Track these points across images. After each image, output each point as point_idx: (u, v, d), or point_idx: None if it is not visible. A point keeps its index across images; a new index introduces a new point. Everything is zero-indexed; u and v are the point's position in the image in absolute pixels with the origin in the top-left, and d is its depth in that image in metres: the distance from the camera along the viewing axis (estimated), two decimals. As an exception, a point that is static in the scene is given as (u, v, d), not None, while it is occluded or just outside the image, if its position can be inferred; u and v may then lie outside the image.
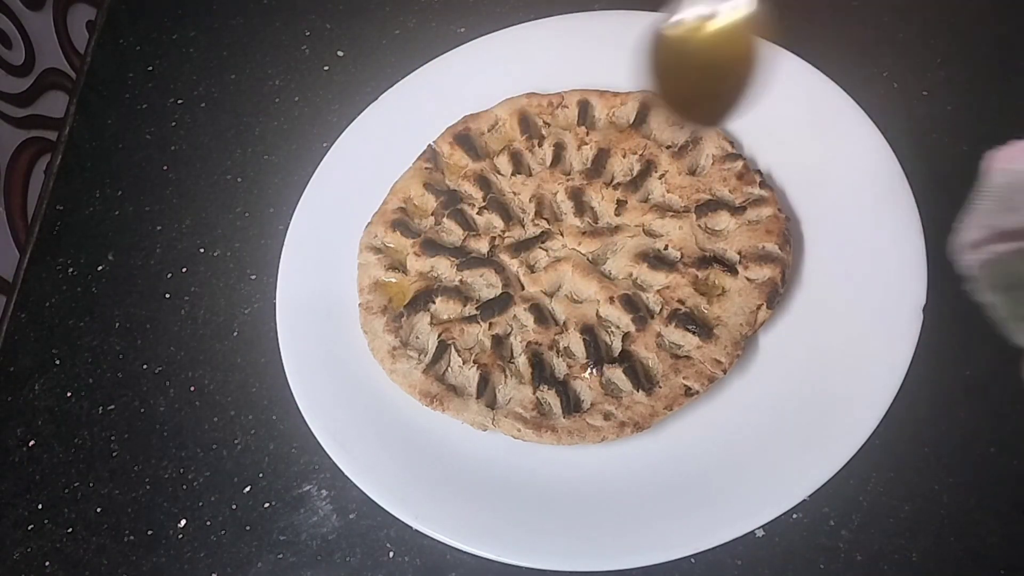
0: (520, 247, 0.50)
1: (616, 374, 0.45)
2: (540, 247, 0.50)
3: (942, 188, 0.51)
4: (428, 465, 0.45)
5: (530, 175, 0.53)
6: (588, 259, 0.49)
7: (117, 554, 0.48)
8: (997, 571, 0.42)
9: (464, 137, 0.54)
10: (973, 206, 0.38)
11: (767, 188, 0.49)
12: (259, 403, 0.51)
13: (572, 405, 0.44)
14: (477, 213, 0.52)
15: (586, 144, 0.53)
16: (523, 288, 0.49)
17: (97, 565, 0.48)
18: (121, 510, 0.49)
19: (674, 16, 0.38)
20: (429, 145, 0.54)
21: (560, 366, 0.46)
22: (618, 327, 0.47)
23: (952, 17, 0.58)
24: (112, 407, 0.53)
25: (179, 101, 0.64)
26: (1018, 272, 0.37)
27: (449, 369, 0.47)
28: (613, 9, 0.58)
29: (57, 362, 0.55)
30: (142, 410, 0.52)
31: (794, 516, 0.43)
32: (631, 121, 0.53)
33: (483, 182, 0.52)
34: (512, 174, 0.53)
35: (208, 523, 0.48)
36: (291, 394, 0.48)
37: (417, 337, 0.48)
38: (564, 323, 0.47)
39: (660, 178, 0.51)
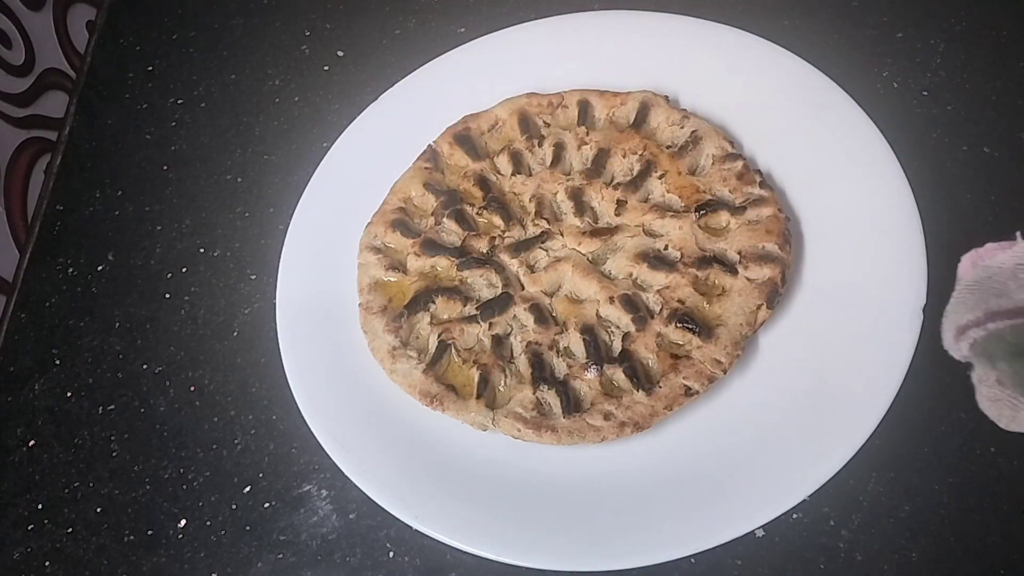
0: (520, 247, 0.50)
1: (616, 374, 0.45)
2: (540, 247, 0.50)
3: (942, 188, 0.51)
4: (428, 465, 0.45)
5: (530, 175, 0.53)
6: (588, 259, 0.49)
7: (117, 554, 0.48)
8: (997, 571, 0.42)
9: (464, 137, 0.54)
10: (954, 300, 0.44)
11: (767, 188, 0.49)
12: (259, 403, 0.51)
13: (572, 405, 0.44)
14: (477, 213, 0.52)
15: (586, 144, 0.53)
16: (523, 288, 0.49)
17: (97, 565, 0.48)
18: (121, 510, 0.49)
19: None
20: (429, 145, 0.54)
21: (560, 366, 0.46)
22: (618, 327, 0.47)
23: (952, 17, 0.58)
24: (112, 407, 0.53)
25: (179, 101, 0.64)
26: (1020, 342, 0.41)
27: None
28: (613, 9, 0.58)
29: (57, 362, 0.55)
30: (142, 410, 0.52)
31: (794, 516, 0.43)
32: (631, 121, 0.53)
33: (483, 182, 0.52)
34: (512, 174, 0.53)
35: (208, 523, 0.48)
36: (291, 394, 0.48)
37: (417, 337, 0.48)
38: (564, 323, 0.47)
39: (660, 178, 0.50)
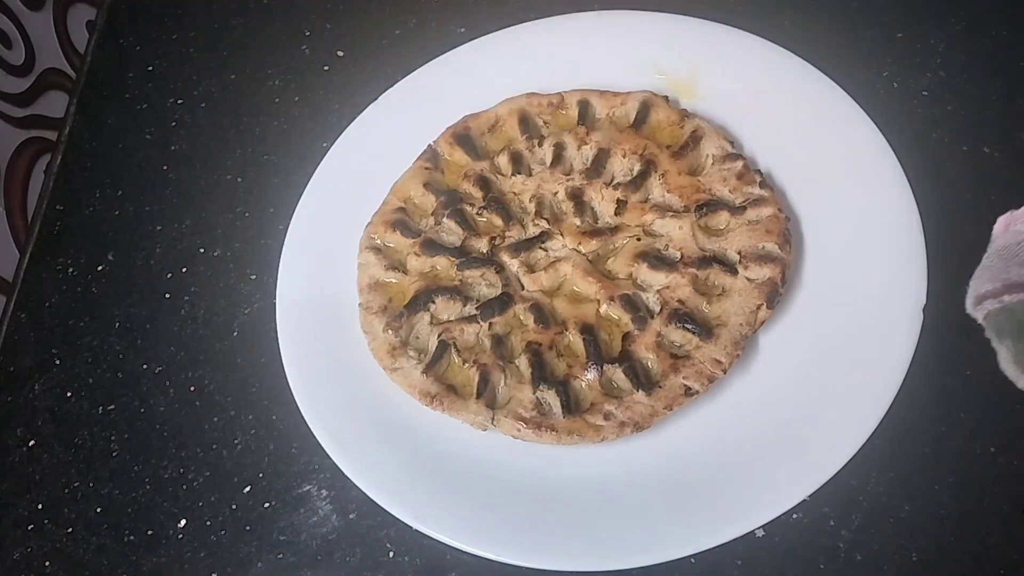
0: (520, 247, 0.50)
1: (616, 374, 0.45)
2: (540, 247, 0.50)
3: (942, 188, 0.51)
4: (428, 465, 0.45)
5: (530, 175, 0.53)
6: (588, 259, 0.49)
7: (117, 554, 0.48)
8: (997, 571, 0.42)
9: (464, 137, 0.54)
10: (983, 264, 0.41)
11: (767, 188, 0.49)
12: (259, 403, 0.51)
13: (572, 405, 0.44)
14: (477, 213, 0.52)
15: (586, 144, 0.53)
16: (523, 288, 0.49)
17: (97, 565, 0.48)
18: (121, 510, 0.49)
19: None
20: (429, 145, 0.54)
21: (560, 366, 0.46)
22: (618, 327, 0.47)
23: (952, 17, 0.58)
24: (112, 407, 0.53)
25: (179, 101, 0.64)
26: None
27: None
28: (613, 9, 0.58)
29: (57, 362, 0.55)
30: (142, 410, 0.52)
31: (794, 516, 0.43)
32: (631, 121, 0.53)
33: (483, 182, 0.52)
34: (512, 174, 0.53)
35: (208, 523, 0.48)
36: (291, 394, 0.48)
37: (417, 337, 0.48)
38: (564, 323, 0.47)
39: (660, 178, 0.50)
